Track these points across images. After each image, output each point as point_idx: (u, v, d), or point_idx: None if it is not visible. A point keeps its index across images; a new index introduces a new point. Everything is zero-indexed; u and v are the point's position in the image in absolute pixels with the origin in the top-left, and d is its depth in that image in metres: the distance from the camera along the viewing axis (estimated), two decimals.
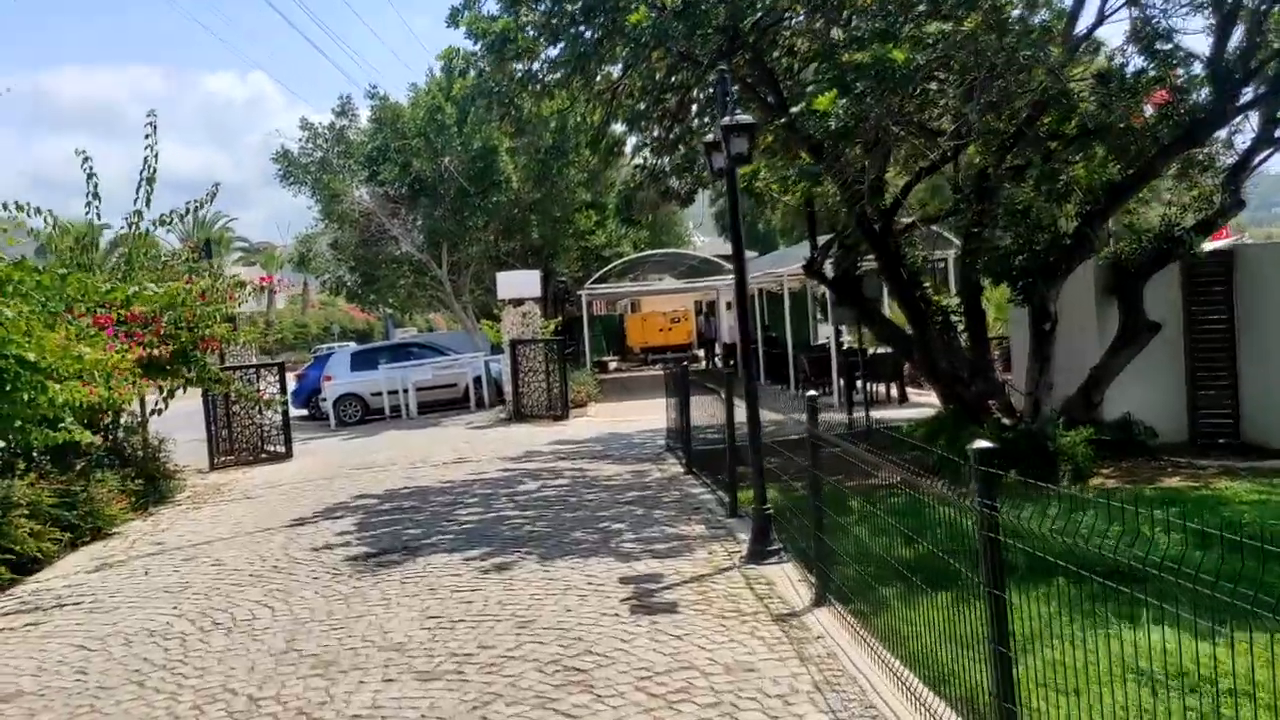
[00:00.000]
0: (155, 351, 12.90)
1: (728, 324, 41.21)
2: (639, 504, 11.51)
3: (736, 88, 11.71)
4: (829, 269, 17.79)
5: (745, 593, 7.81)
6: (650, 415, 21.63)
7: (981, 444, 4.52)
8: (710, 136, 8.95)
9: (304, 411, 27.71)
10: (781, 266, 26.10)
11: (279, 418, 18.10)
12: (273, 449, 18.24)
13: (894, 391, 22.09)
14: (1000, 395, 14.95)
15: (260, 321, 62.42)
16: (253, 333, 15.38)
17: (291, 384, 28.76)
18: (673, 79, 14.79)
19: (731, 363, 34.79)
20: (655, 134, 17.81)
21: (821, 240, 17.73)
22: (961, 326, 15.84)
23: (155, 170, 13.35)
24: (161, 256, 14.58)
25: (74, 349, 8.68)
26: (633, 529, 10.18)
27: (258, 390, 17.00)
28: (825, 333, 34.75)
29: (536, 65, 13.74)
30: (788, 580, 8.14)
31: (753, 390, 9.09)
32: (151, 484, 13.87)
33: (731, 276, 30.08)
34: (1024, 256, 13.63)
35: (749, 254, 35.46)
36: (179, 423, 18.35)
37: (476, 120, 24.03)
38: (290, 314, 68.33)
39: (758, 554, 8.72)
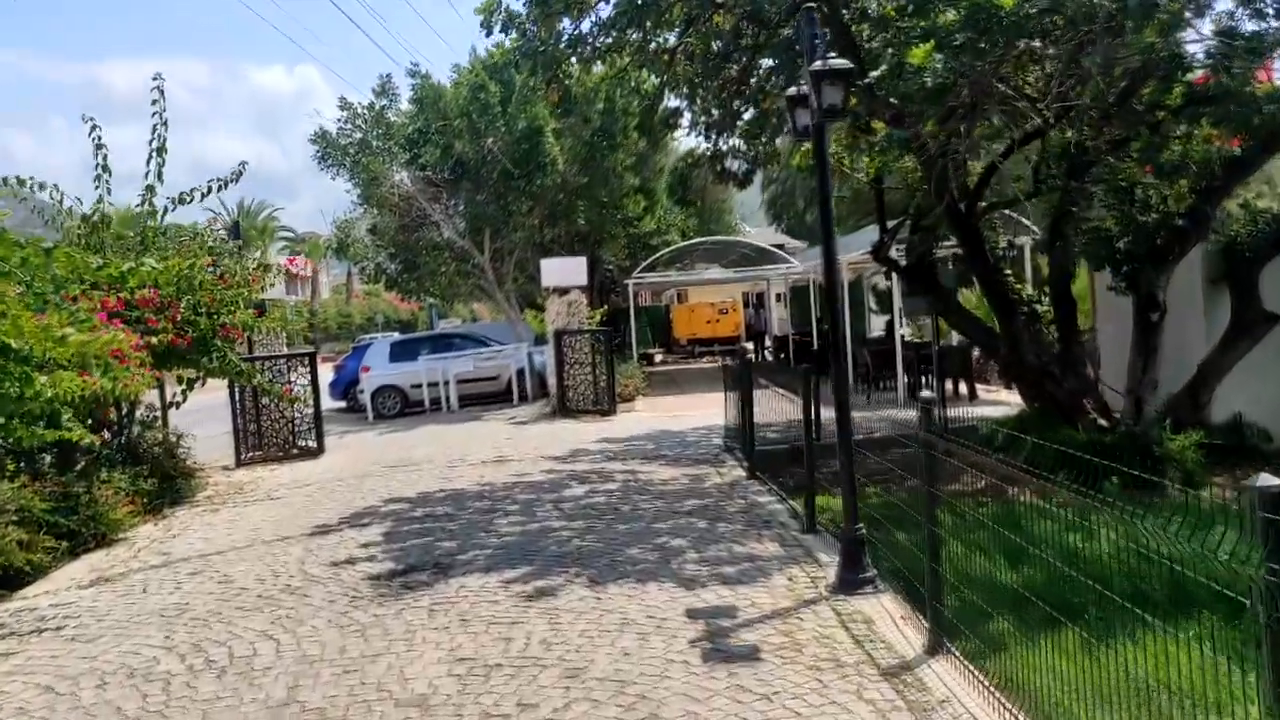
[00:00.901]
0: (172, 339, 11.72)
1: (777, 316, 39.71)
2: (700, 514, 10.12)
3: (827, 31, 10.29)
4: (895, 255, 16.32)
5: (840, 634, 6.40)
6: (702, 411, 20.26)
7: (1269, 481, 3.09)
8: (792, 90, 7.53)
9: (342, 403, 26.63)
10: (841, 254, 24.57)
11: (310, 411, 16.89)
12: (304, 444, 17.05)
13: (962, 388, 20.52)
14: (1094, 393, 13.44)
15: (305, 310, 61.84)
16: (277, 319, 14.13)
17: (329, 374, 27.77)
18: (736, 46, 13.36)
19: (783, 356, 33.33)
20: (713, 109, 16.46)
21: (891, 225, 16.23)
22: (1050, 318, 14.30)
23: (165, 140, 12.15)
24: (180, 236, 13.36)
25: (56, 330, 7.42)
26: (695, 546, 8.79)
27: (286, 384, 15.79)
28: (878, 325, 33.25)
29: (586, 25, 12.37)
30: (888, 618, 6.72)
31: (844, 391, 7.64)
32: (167, 484, 12.71)
33: (783, 266, 28.68)
34: (1128, 239, 12.11)
35: (797, 244, 33.91)
36: (208, 415, 17.25)
37: (520, 96, 22.78)
38: (335, 304, 67.68)
39: (848, 583, 7.30)
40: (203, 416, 16.50)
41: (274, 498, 12.97)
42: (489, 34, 11.69)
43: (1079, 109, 11.35)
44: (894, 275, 28.93)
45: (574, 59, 12.89)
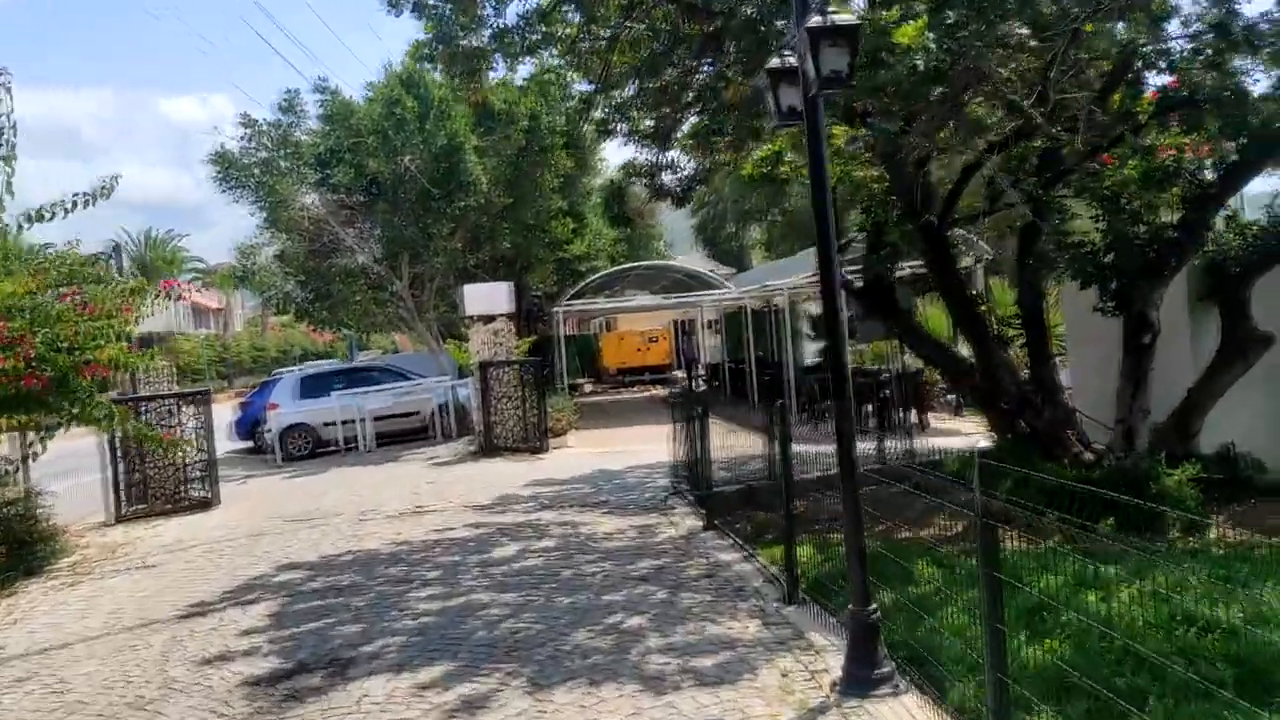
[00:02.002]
0: (25, 379, 9.73)
1: (708, 343, 38.30)
2: (657, 580, 8.42)
3: (784, 23, 8.79)
4: (850, 276, 14.93)
5: None
6: (640, 445, 18.61)
7: None
8: (775, 63, 5.95)
9: (248, 444, 24.40)
10: (778, 279, 23.16)
11: (204, 456, 14.83)
12: (197, 494, 14.97)
13: (914, 417, 19.19)
14: (1074, 424, 12.13)
15: (215, 344, 58.80)
16: (150, 357, 12.11)
17: (231, 414, 25.50)
18: (676, 42, 11.82)
19: (716, 384, 31.87)
20: (649, 119, 14.93)
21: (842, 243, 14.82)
22: (1020, 342, 12.99)
23: (14, 146, 10.15)
24: (34, 259, 11.29)
25: None
26: (657, 626, 7.10)
27: (171, 427, 13.74)
28: (810, 351, 32.01)
29: (512, 15, 10.73)
30: None
31: (849, 429, 6.04)
32: (21, 551, 10.63)
33: (718, 292, 27.19)
34: (1116, 253, 10.83)
35: (727, 270, 32.53)
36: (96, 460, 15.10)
37: (439, 111, 21.04)
38: (249, 336, 64.68)
39: (860, 681, 5.66)
40: (90, 461, 14.37)
41: (149, 565, 10.93)
42: (395, 11, 9.94)
43: (1060, 108, 10.05)
44: (845, 298, 27.82)
45: (499, 56, 11.23)
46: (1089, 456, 11.60)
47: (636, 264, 30.31)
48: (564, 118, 24.74)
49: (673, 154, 15.62)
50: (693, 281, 28.70)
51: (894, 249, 13.15)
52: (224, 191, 22.10)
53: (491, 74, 11.60)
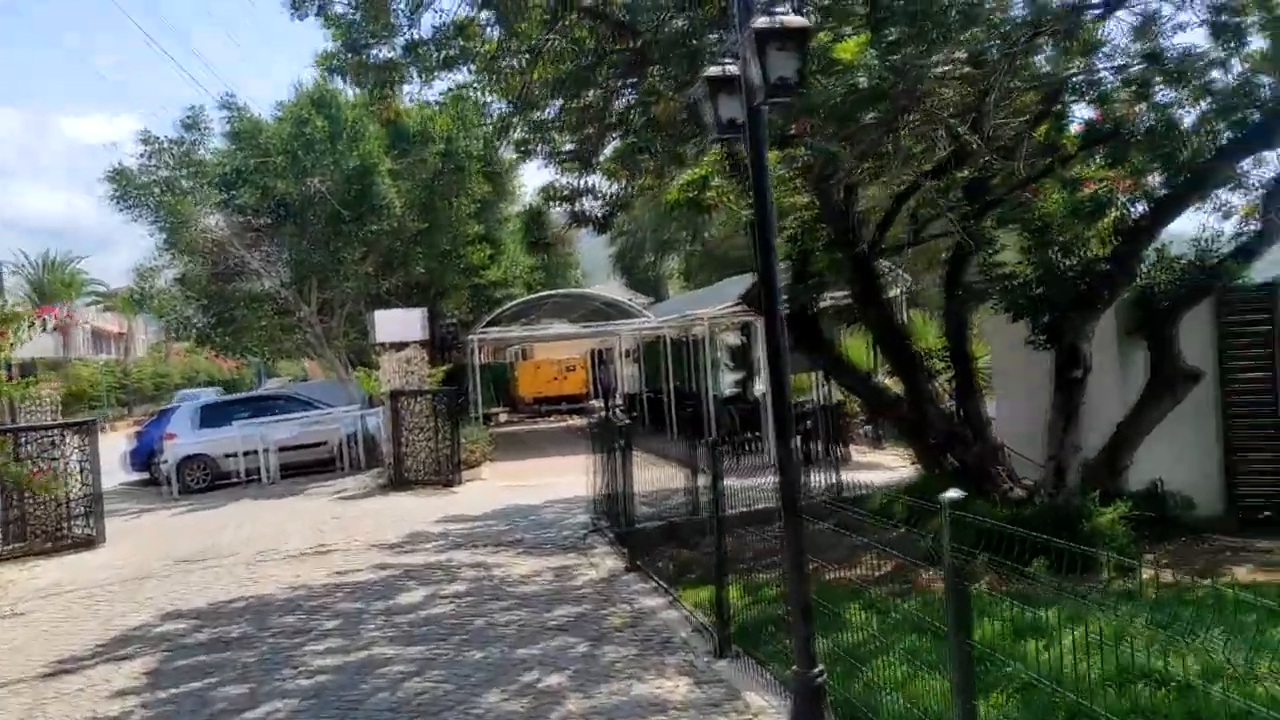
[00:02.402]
0: None
1: (626, 372, 37.78)
2: (577, 630, 7.78)
3: (717, 37, 8.33)
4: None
5: None
6: (555, 478, 17.94)
7: None
8: (714, 71, 5.44)
9: (144, 475, 23.07)
10: (697, 308, 22.76)
11: (88, 490, 13.75)
12: (81, 532, 13.86)
13: (836, 450, 18.86)
14: (1003, 459, 11.85)
15: (115, 370, 56.37)
16: (26, 385, 11.12)
17: (125, 444, 24.18)
18: (599, 60, 11.31)
19: (634, 414, 31.32)
20: (570, 143, 14.39)
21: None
22: (946, 375, 12.69)
23: None
24: None
25: None
26: (579, 685, 6.45)
27: (44, 463, 12.67)
28: (729, 382, 31.70)
29: (427, 27, 10.08)
30: None
31: (793, 476, 5.51)
32: None
33: (637, 321, 26.71)
34: (1047, 286, 10.59)
35: (644, 299, 32.12)
36: None
37: (351, 132, 20.24)
38: (152, 362, 62.24)
39: None
40: None
41: (19, 612, 9.91)
42: (299, 14, 9.23)
43: (989, 139, 9.77)
44: (757, 329, 27.50)
45: (413, 69, 10.56)
46: (1019, 493, 11.30)
47: (554, 292, 29.68)
48: (481, 141, 24.10)
49: (594, 179, 15.15)
50: (611, 310, 28.17)
51: (820, 278, 12.79)
52: (121, 211, 20.92)
53: (405, 88, 10.90)
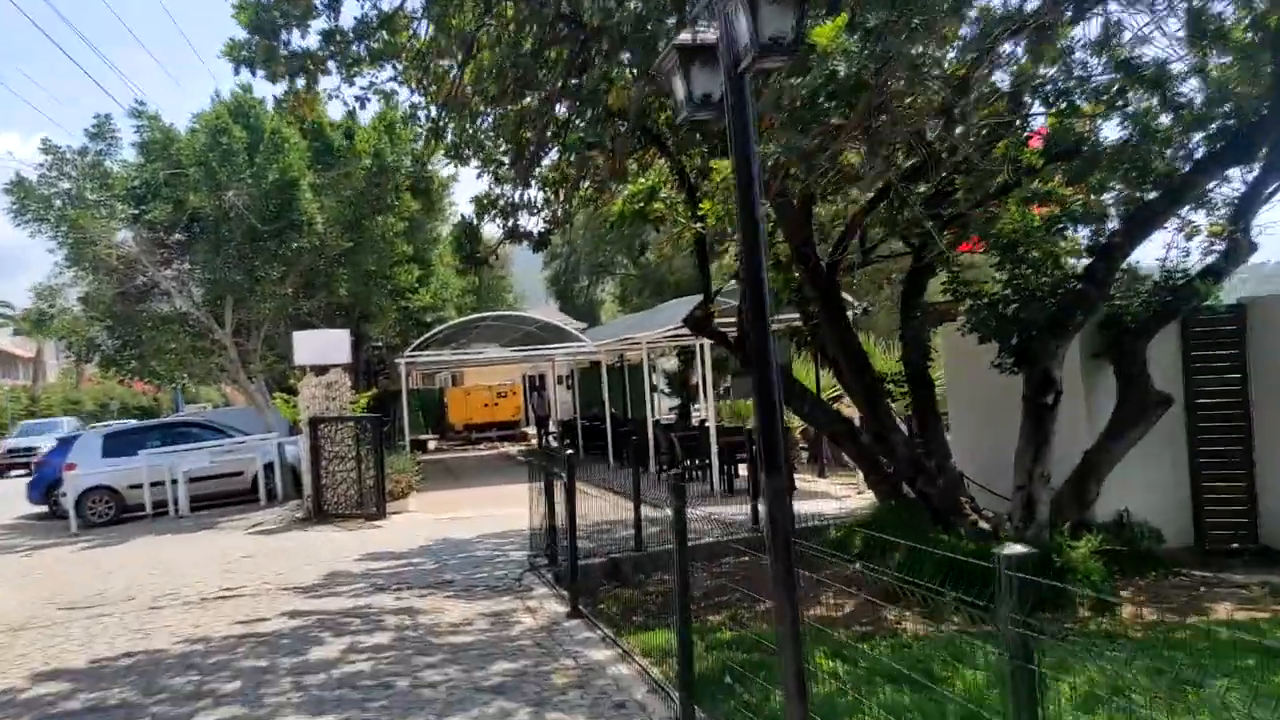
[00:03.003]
0: None
1: (559, 399, 36.73)
2: (517, 693, 6.74)
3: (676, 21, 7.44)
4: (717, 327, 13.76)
5: None
6: (488, 510, 16.89)
7: None
8: (684, 38, 4.56)
9: (43, 508, 21.42)
10: (635, 332, 21.88)
11: None
12: None
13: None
14: (965, 490, 11.17)
15: (22, 396, 53.65)
16: None
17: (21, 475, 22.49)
18: (537, 61, 10.39)
19: (569, 441, 30.25)
20: (505, 155, 13.49)
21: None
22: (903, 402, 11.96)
23: None
24: None
25: None
26: None
27: None
28: (662, 408, 30.95)
29: (350, 12, 9.11)
30: None
31: (784, 524, 4.59)
32: None
33: (574, 345, 25.71)
34: (1019, 305, 9.92)
35: (578, 324, 31.18)
36: None
37: (271, 144, 19.05)
38: (63, 388, 59.46)
39: None
40: None
41: None
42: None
43: (953, 150, 9.08)
44: (698, 353, 26.68)
45: (332, 62, 9.54)
46: (985, 526, 10.59)
47: (487, 314, 28.59)
48: (409, 157, 23.04)
49: (531, 192, 14.24)
50: (546, 334, 27.15)
51: (774, 296, 11.99)
52: (19, 225, 19.39)
53: (324, 84, 9.85)
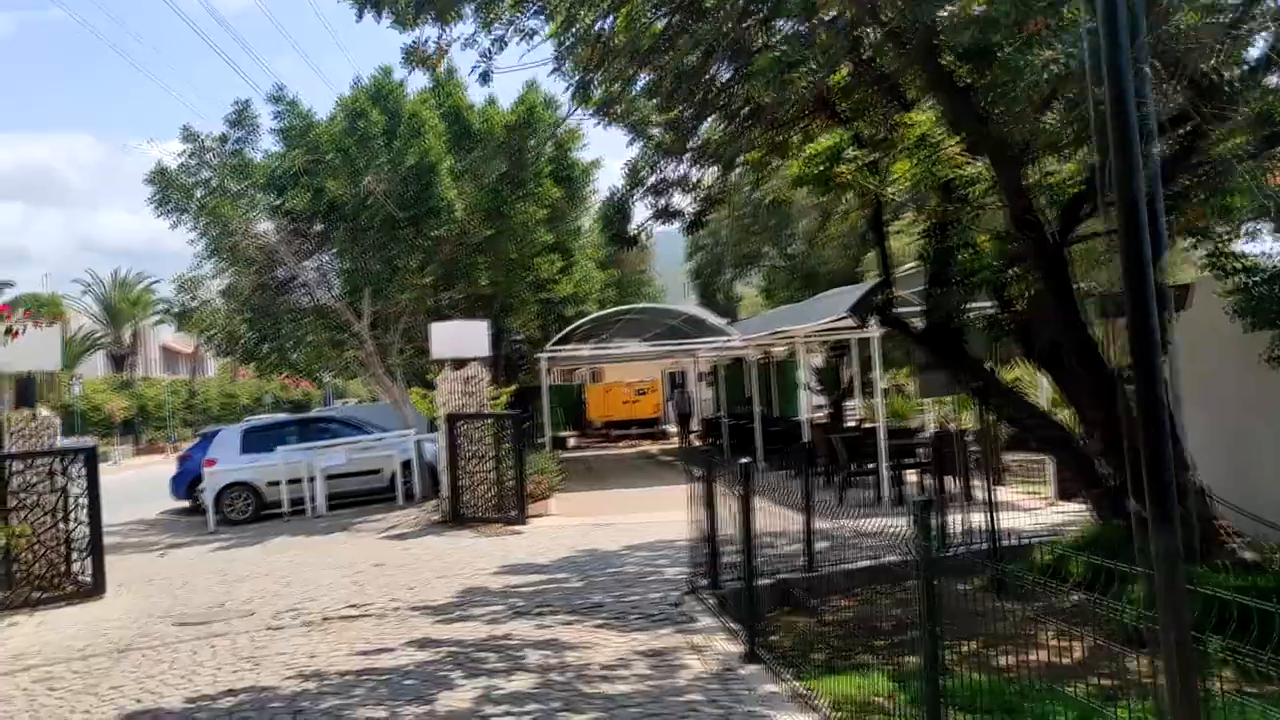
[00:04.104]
0: None
1: (700, 396, 35.13)
2: None
3: None
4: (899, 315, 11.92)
5: None
6: (634, 514, 15.41)
7: None
8: None
9: (185, 503, 20.98)
10: (790, 324, 20.02)
11: (86, 531, 11.45)
12: (82, 579, 11.57)
13: (954, 485, 16.00)
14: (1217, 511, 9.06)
15: (181, 390, 55.17)
16: None
17: (169, 468, 22.16)
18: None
19: (713, 440, 28.59)
20: (658, 125, 12.01)
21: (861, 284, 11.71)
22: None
23: None
24: None
25: None
26: None
27: (35, 496, 10.37)
28: (807, 406, 29.04)
29: None
30: None
31: (1179, 592, 2.81)
32: None
33: (721, 339, 23.97)
34: None
35: (718, 320, 29.42)
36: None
37: (409, 127, 17.97)
38: (219, 383, 61.04)
39: None
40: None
41: None
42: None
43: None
44: (852, 348, 24.65)
45: (467, 5, 8.12)
46: (1249, 555, 8.50)
47: (630, 307, 27.14)
48: (552, 143, 21.76)
49: (684, 167, 12.67)
50: (689, 328, 25.53)
51: (970, 278, 10.07)
52: (160, 216, 18.86)
53: (458, 31, 8.43)
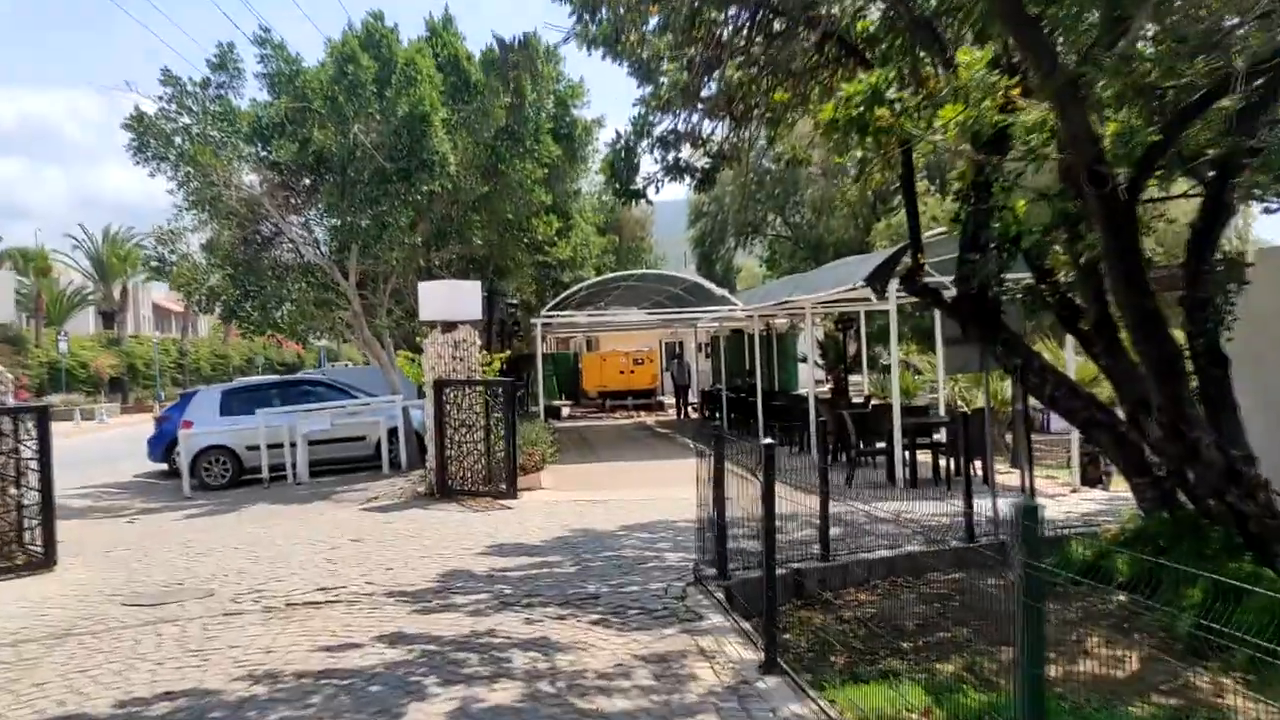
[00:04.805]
0: None
1: (697, 368, 34.11)
2: None
3: None
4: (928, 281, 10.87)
5: None
6: (631, 490, 14.49)
7: None
8: None
9: (163, 466, 19.94)
10: (797, 294, 18.93)
11: (36, 497, 10.40)
12: (34, 549, 10.54)
13: (975, 468, 15.02)
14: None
15: (172, 349, 53.92)
16: None
17: (135, 432, 21.10)
18: None
19: (711, 413, 27.61)
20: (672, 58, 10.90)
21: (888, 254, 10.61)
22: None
23: None
24: None
25: None
26: None
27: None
28: (811, 379, 28.15)
29: None
30: None
31: None
32: None
33: (724, 308, 22.91)
34: None
35: (718, 290, 28.38)
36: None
37: (403, 75, 16.81)
38: (210, 343, 59.82)
39: None
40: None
41: None
42: None
43: None
44: (860, 320, 23.61)
45: None
46: None
47: (630, 272, 26.06)
48: (552, 99, 20.59)
49: (696, 118, 11.59)
50: (691, 296, 24.44)
51: (1011, 242, 9.02)
52: (138, 164, 17.66)
53: None
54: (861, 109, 7.70)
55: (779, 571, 8.86)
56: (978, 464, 14.79)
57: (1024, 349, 9.70)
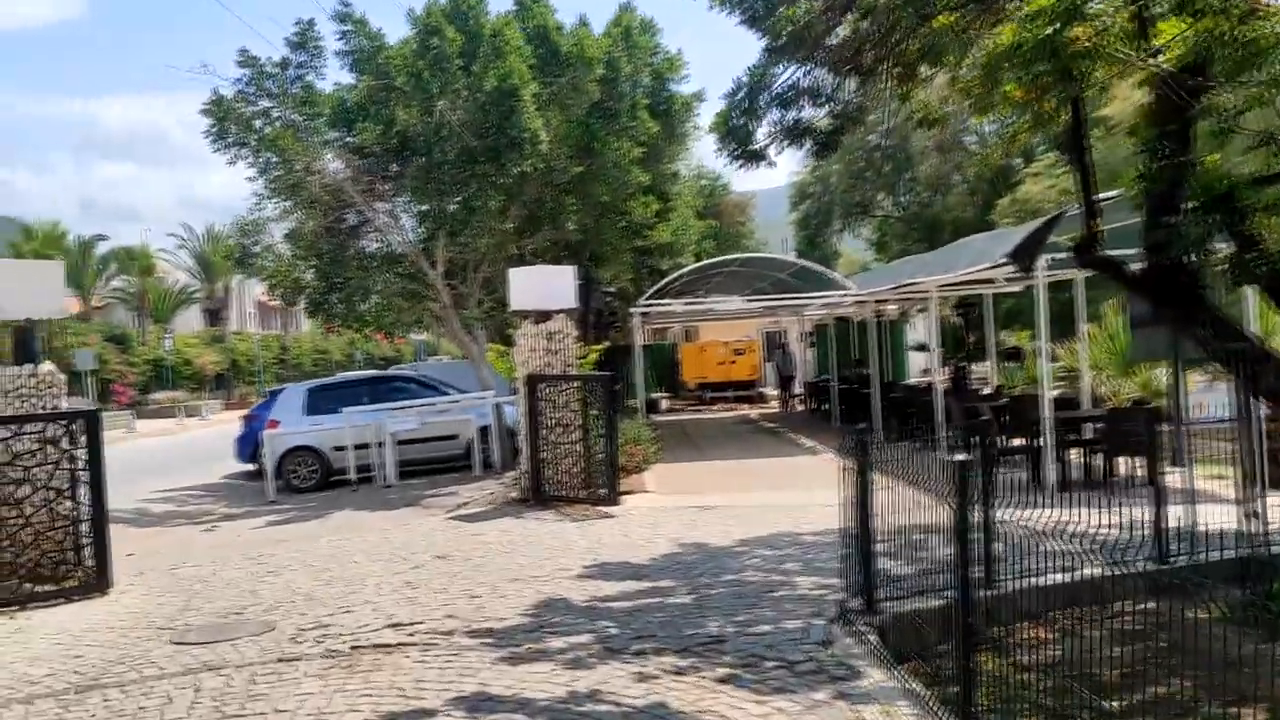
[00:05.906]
0: None
1: (801, 358, 32.27)
2: None
3: None
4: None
5: None
6: (742, 493, 12.91)
7: None
8: None
9: (251, 466, 19.02)
10: (927, 274, 16.97)
11: (86, 515, 9.26)
12: (90, 567, 9.42)
13: (1137, 468, 13.00)
14: None
15: (274, 345, 54.16)
16: None
17: (235, 429, 20.28)
18: None
19: (818, 406, 25.82)
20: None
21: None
22: None
23: None
24: None
25: None
26: None
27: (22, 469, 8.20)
28: (919, 369, 26.17)
29: None
30: None
31: None
32: None
33: (836, 293, 21.04)
34: None
35: (830, 274, 26.55)
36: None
37: (490, 47, 15.43)
38: (311, 339, 60.02)
39: None
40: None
41: None
42: None
43: None
44: (985, 305, 21.53)
45: None
46: None
47: (733, 256, 24.31)
48: (649, 72, 19.03)
49: (819, 73, 9.95)
50: (798, 281, 22.63)
51: (1222, 203, 7.13)
52: (217, 150, 16.67)
53: None
54: (1055, 25, 5.93)
55: (934, 604, 7.23)
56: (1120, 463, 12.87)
57: (1239, 333, 7.81)
